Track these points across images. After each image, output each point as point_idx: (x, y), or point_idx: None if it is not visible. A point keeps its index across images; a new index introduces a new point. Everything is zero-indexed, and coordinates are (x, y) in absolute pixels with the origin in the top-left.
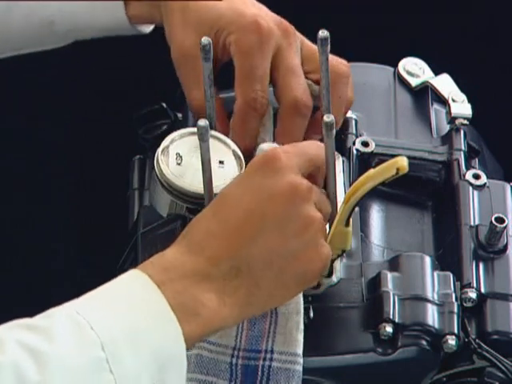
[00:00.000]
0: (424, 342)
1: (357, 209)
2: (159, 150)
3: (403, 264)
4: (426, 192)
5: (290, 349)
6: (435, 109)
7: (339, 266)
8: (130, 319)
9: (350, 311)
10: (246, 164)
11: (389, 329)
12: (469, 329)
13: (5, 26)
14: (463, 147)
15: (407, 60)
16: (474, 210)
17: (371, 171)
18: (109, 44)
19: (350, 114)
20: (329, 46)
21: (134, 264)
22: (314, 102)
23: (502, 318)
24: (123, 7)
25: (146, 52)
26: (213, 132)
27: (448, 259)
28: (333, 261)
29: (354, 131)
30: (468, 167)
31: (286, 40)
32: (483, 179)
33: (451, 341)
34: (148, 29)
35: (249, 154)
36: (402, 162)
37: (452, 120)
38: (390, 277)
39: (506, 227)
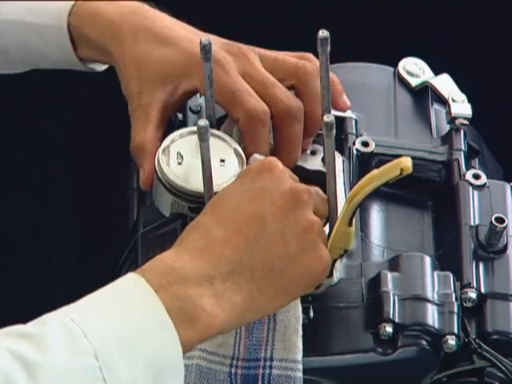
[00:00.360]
0: (424, 342)
1: None
2: (160, 149)
3: (403, 264)
4: (426, 192)
5: (290, 356)
6: (435, 109)
7: (339, 266)
8: (125, 326)
9: (350, 311)
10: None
11: (389, 329)
12: (469, 329)
13: None
14: (463, 147)
15: (407, 60)
16: (474, 210)
17: (375, 171)
18: None
19: (350, 114)
20: (329, 45)
21: (134, 264)
22: None
23: (502, 317)
24: (72, 48)
25: None
26: (214, 130)
27: (448, 259)
28: (334, 261)
29: (354, 131)
30: (468, 167)
31: (244, 59)
32: (483, 179)
33: (451, 341)
34: (101, 68)
35: None
36: (406, 163)
37: (452, 120)
38: (389, 277)
39: (505, 227)
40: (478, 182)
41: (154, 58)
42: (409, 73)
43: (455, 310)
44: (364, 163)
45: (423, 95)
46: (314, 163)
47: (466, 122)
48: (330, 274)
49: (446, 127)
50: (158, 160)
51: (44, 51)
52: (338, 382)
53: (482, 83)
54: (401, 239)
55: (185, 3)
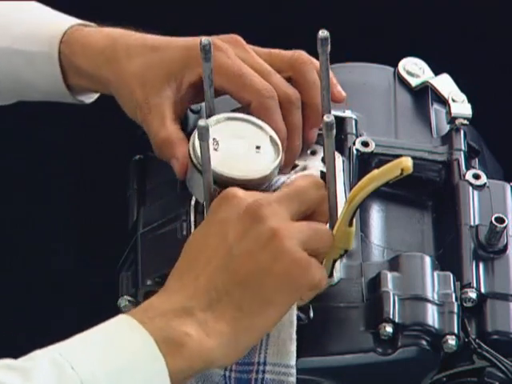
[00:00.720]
0: (424, 342)
1: None
2: (195, 135)
3: (403, 264)
4: (426, 192)
5: (284, 360)
6: (435, 109)
7: (339, 266)
8: (112, 358)
9: (350, 311)
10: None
11: (389, 329)
12: (469, 329)
13: None
14: (463, 147)
15: (407, 60)
16: (474, 210)
17: (375, 171)
18: None
19: (349, 113)
20: (329, 45)
21: (133, 264)
22: None
23: (502, 317)
24: (61, 78)
25: None
26: (251, 117)
27: (448, 259)
28: (334, 261)
29: (354, 131)
30: (468, 167)
31: (240, 48)
32: (483, 179)
33: (451, 341)
34: (90, 100)
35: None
36: (407, 163)
37: (452, 120)
38: (389, 277)
39: (506, 227)
40: (477, 182)
41: (153, 63)
42: (409, 73)
43: (455, 310)
44: (364, 163)
45: (423, 95)
46: (314, 163)
47: (465, 122)
48: (330, 274)
49: (446, 127)
50: (193, 146)
51: (33, 80)
52: (338, 382)
53: (482, 83)
54: (401, 239)
55: (185, 3)
